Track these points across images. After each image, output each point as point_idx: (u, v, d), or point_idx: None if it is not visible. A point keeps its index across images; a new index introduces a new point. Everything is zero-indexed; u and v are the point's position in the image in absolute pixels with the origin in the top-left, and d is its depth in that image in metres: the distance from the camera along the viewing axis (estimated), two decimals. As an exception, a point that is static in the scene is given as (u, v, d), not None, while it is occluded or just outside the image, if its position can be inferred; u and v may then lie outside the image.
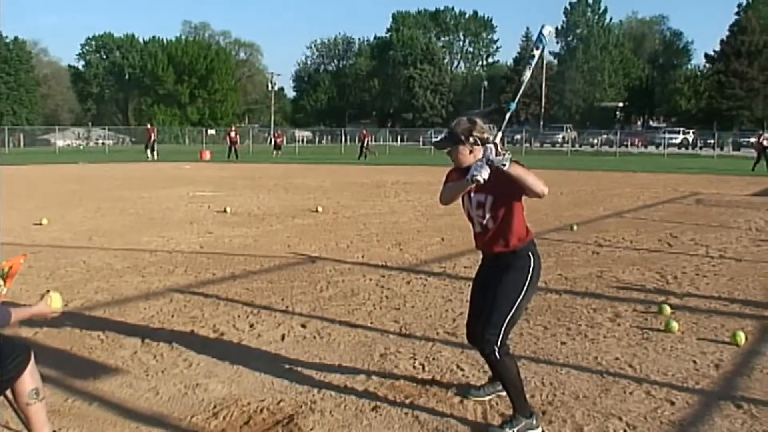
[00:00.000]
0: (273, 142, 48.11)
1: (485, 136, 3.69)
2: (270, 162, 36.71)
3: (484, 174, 3.39)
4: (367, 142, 41.91)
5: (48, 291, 3.55)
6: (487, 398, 4.22)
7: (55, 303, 3.35)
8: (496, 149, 3.47)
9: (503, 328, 3.68)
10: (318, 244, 10.00)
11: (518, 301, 3.71)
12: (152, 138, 40.27)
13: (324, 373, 4.70)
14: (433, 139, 3.59)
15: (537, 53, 3.86)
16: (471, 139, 3.69)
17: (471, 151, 3.70)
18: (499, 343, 3.67)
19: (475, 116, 3.88)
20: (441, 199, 3.91)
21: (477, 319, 3.87)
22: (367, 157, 39.34)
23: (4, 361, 3.11)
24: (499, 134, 3.59)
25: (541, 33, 3.83)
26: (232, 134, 41.27)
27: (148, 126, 43.44)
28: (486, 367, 4.15)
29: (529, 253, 3.78)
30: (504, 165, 3.39)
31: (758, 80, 72.17)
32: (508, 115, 3.75)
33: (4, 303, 3.25)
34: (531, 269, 3.76)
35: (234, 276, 7.85)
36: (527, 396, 3.87)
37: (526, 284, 3.73)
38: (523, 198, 3.72)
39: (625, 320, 6.01)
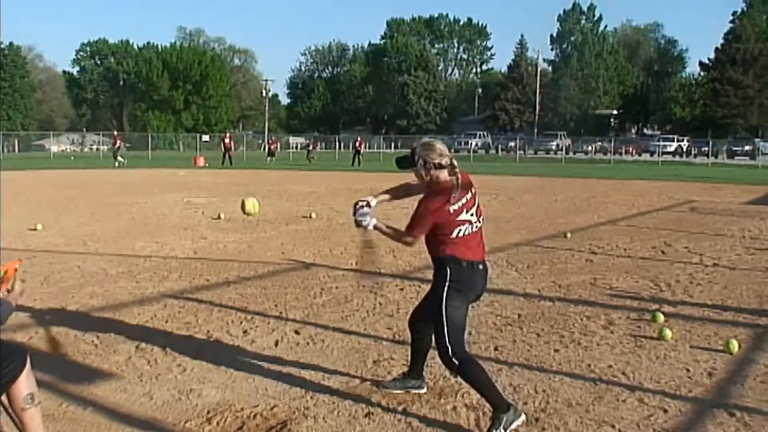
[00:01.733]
0: (267, 149, 48.22)
1: (443, 161, 3.89)
2: (264, 168, 36.73)
3: (367, 223, 4.03)
4: (360, 148, 42.11)
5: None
6: (396, 391, 4.41)
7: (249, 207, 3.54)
8: (370, 209, 4.04)
9: (447, 336, 3.82)
10: (312, 251, 10.00)
11: (444, 308, 3.84)
12: (117, 145, 40.09)
13: (317, 379, 4.71)
14: (396, 157, 3.75)
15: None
16: (428, 165, 3.91)
17: (427, 175, 3.93)
18: (450, 351, 3.80)
19: (434, 141, 4.06)
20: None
21: (419, 310, 4.29)
22: (361, 164, 39.41)
23: (0, 366, 3.11)
24: (380, 197, 4.23)
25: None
26: (227, 140, 41.15)
27: (114, 133, 43.31)
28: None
29: (448, 267, 3.89)
30: (366, 228, 4.04)
31: (753, 88, 72.22)
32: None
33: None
34: (447, 279, 3.87)
35: (228, 282, 7.85)
36: (521, 403, 3.88)
37: (444, 291, 3.86)
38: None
39: (618, 328, 6.03)
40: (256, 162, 43.52)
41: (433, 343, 4.09)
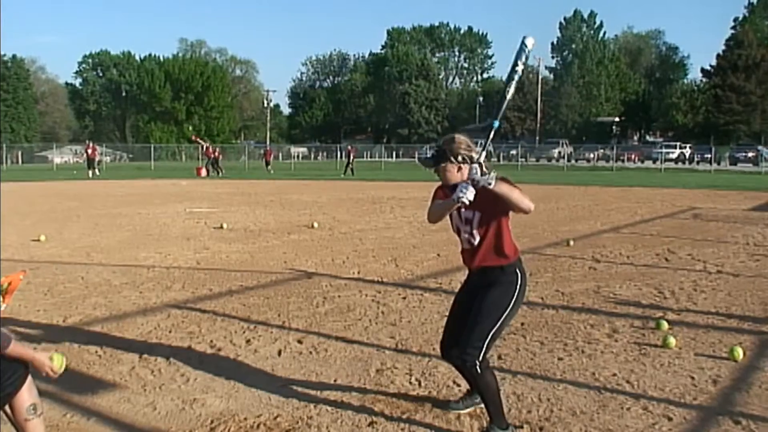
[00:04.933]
0: (265, 159, 48.69)
1: (472, 154, 3.69)
2: (266, 178, 36.79)
3: (469, 195, 3.43)
4: (352, 157, 42.15)
5: (54, 351, 3.59)
6: (465, 411, 4.24)
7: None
8: (481, 168, 3.50)
9: (486, 343, 3.69)
10: (314, 260, 10.00)
11: (503, 318, 3.72)
12: (91, 156, 40.20)
13: (320, 388, 4.70)
14: (419, 156, 3.62)
15: (520, 67, 3.81)
16: (459, 158, 3.69)
17: (459, 170, 3.70)
18: (480, 357, 3.69)
19: (461, 134, 3.86)
20: (429, 218, 3.91)
21: (453, 335, 3.89)
22: (354, 173, 39.40)
23: (2, 377, 3.12)
24: (483, 153, 3.61)
25: (524, 44, 3.81)
26: (216, 152, 41.91)
27: (88, 143, 43.38)
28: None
29: (516, 270, 3.79)
30: (489, 184, 3.43)
31: (755, 94, 72.24)
32: (492, 133, 3.71)
33: (5, 326, 3.26)
34: (518, 286, 3.77)
35: (231, 291, 7.85)
36: (525, 412, 3.86)
37: (512, 301, 3.75)
38: (512, 213, 3.72)
39: (622, 336, 6.01)
40: (257, 172, 43.58)
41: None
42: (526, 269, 3.91)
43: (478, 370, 3.70)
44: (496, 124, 3.72)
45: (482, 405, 4.00)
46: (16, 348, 3.19)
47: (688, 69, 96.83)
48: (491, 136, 3.71)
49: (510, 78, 3.83)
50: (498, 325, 3.71)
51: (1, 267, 8.31)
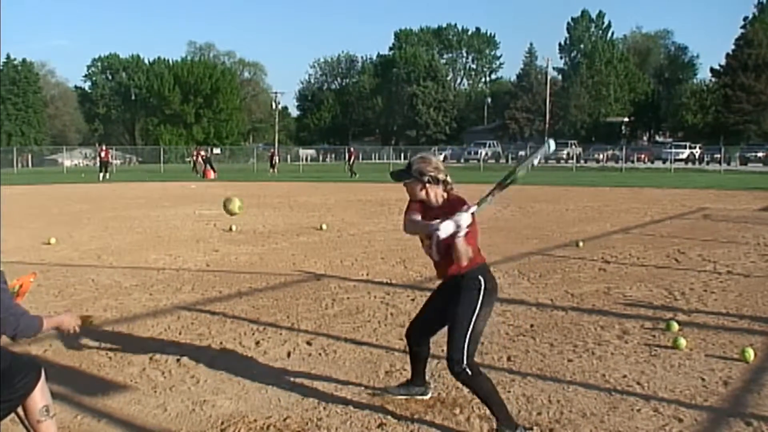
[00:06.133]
0: (269, 161, 48.93)
1: (439, 176, 3.92)
2: (273, 180, 36.85)
3: (443, 233, 3.66)
4: (353, 160, 42.17)
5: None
6: (400, 397, 4.45)
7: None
8: (473, 218, 3.72)
9: (465, 347, 3.81)
10: (323, 262, 10.01)
11: (472, 322, 3.84)
12: (104, 159, 40.75)
13: (330, 389, 4.71)
14: (391, 170, 3.83)
15: (536, 160, 4.07)
16: (425, 178, 3.92)
17: (422, 188, 3.94)
18: (465, 361, 3.79)
19: (429, 155, 4.09)
20: (404, 228, 4.12)
21: (422, 324, 4.25)
22: (355, 175, 39.40)
23: (15, 379, 3.14)
24: (480, 206, 3.78)
25: (548, 144, 4.16)
26: (202, 153, 42.67)
27: (101, 146, 43.95)
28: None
29: (479, 276, 3.92)
30: (459, 237, 3.67)
31: (765, 94, 71.69)
32: (487, 201, 3.85)
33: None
34: (481, 290, 3.89)
35: (240, 293, 7.87)
36: (534, 414, 3.86)
37: (478, 305, 3.88)
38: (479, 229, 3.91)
39: (632, 337, 6.00)
40: (266, 174, 43.67)
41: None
42: (492, 276, 4.01)
43: (467, 374, 3.80)
44: (487, 202, 3.86)
45: (419, 396, 4.43)
46: (48, 324, 3.32)
47: (698, 69, 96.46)
48: (489, 200, 3.86)
49: (524, 166, 4.07)
50: (470, 329, 3.83)
51: (13, 269, 8.37)
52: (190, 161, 44.18)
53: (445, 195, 3.98)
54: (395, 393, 4.50)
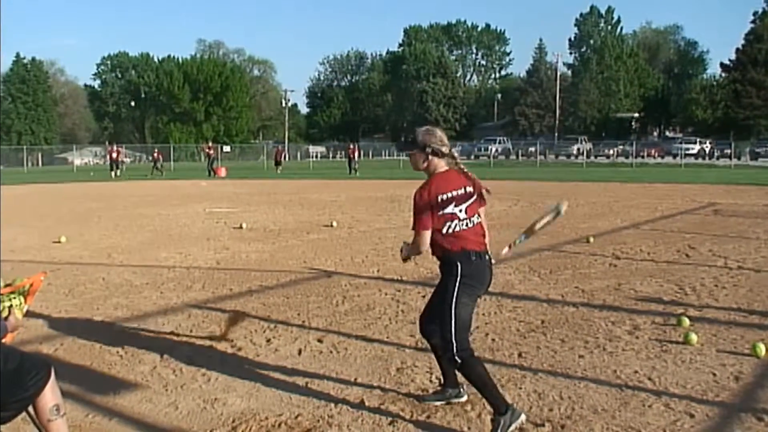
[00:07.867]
0: (274, 158, 48.90)
1: (442, 148, 3.96)
2: (283, 178, 36.90)
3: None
4: (356, 156, 42.18)
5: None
6: (438, 403, 4.36)
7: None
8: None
9: (453, 336, 3.82)
10: (333, 259, 10.02)
11: (453, 308, 3.85)
12: (115, 158, 41.53)
13: (341, 387, 4.71)
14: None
15: (549, 220, 4.36)
16: (427, 149, 3.95)
17: (425, 160, 3.97)
18: (455, 348, 3.81)
19: (435, 128, 4.12)
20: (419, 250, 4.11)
21: (426, 313, 4.25)
22: (356, 172, 39.35)
23: (25, 377, 3.15)
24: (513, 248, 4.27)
25: (558, 208, 4.37)
26: (210, 152, 42.85)
27: (112, 145, 44.53)
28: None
29: (457, 262, 3.90)
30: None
31: (775, 89, 71.48)
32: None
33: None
34: (457, 276, 3.87)
35: (251, 291, 7.88)
36: (546, 410, 3.85)
37: (455, 290, 3.86)
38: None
39: (643, 333, 5.97)
40: (275, 172, 43.73)
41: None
42: (475, 262, 3.92)
43: (457, 360, 3.83)
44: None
45: (455, 400, 4.36)
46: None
47: (707, 64, 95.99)
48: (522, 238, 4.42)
49: (537, 225, 4.36)
50: (453, 315, 3.84)
51: (23, 268, 8.42)
52: (203, 157, 44.44)
53: (459, 165, 4.02)
54: (432, 400, 4.40)
